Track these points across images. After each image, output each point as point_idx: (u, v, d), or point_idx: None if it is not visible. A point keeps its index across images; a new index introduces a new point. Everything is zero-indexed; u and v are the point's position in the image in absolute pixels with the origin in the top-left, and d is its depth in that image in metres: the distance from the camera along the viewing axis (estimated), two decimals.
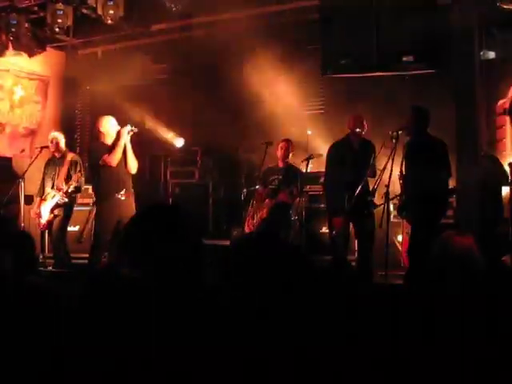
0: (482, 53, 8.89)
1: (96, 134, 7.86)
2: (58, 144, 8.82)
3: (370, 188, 7.32)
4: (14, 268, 3.60)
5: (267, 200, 8.50)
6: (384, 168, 7.14)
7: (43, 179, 8.82)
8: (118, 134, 7.65)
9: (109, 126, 7.76)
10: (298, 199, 8.47)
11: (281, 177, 8.53)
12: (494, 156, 8.20)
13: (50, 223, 8.60)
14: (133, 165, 7.76)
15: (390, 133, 7.06)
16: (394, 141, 6.98)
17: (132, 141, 7.73)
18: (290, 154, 8.64)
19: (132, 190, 7.77)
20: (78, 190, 8.62)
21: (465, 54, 6.86)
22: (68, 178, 8.59)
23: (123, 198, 7.58)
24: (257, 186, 8.74)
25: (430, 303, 2.82)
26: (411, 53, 7.33)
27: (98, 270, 2.95)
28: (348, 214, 7.20)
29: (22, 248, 3.76)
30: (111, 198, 7.57)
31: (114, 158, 7.56)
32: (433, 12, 7.52)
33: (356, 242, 7.81)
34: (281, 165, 8.67)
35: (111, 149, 7.60)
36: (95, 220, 7.96)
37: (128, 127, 7.65)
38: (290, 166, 8.65)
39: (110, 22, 9.16)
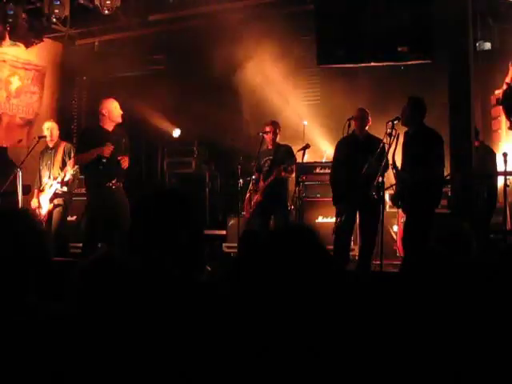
0: (477, 44, 8.93)
1: (97, 117, 7.88)
2: (52, 134, 8.86)
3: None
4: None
5: (261, 183, 8.56)
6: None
7: (40, 170, 8.86)
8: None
9: (111, 109, 7.79)
10: (293, 174, 8.52)
11: (271, 157, 8.57)
12: (488, 146, 8.26)
13: (49, 213, 8.64)
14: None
15: (387, 124, 7.11)
16: (389, 131, 7.02)
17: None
18: (278, 135, 8.68)
19: (122, 179, 7.81)
20: (74, 176, 8.63)
21: (459, 45, 6.89)
22: (63, 167, 8.62)
23: (114, 187, 7.61)
24: (253, 176, 8.78)
25: (425, 291, 2.85)
26: (406, 43, 7.36)
27: (93, 260, 2.96)
28: (355, 205, 7.30)
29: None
30: (102, 186, 7.59)
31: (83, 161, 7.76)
32: (428, 2, 7.55)
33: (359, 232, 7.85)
34: (270, 147, 8.72)
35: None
36: (87, 209, 7.94)
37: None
38: (278, 145, 8.69)
39: (106, 12, 9.19)
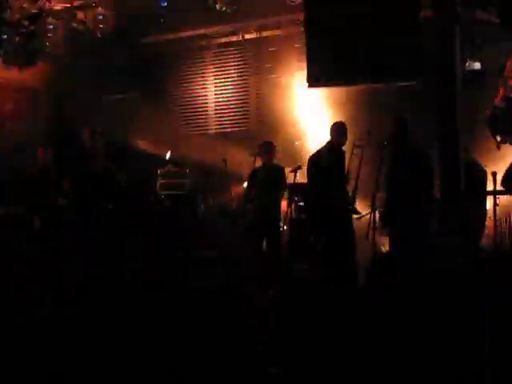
0: (467, 63, 9.02)
1: (81, 145, 8.01)
2: (44, 157, 8.89)
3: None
4: None
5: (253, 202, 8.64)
6: (357, 176, 7.37)
7: (35, 192, 8.84)
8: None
9: (94, 137, 7.92)
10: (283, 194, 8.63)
11: (264, 177, 8.62)
12: (480, 163, 8.26)
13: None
14: None
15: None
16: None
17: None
18: (272, 156, 8.74)
19: None
20: (66, 198, 8.66)
21: (446, 66, 6.95)
22: (55, 190, 8.62)
23: None
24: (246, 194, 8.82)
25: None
26: (395, 65, 7.42)
27: None
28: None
29: None
30: None
31: None
32: (417, 24, 7.61)
33: None
34: (264, 166, 8.77)
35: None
36: None
37: None
38: (272, 166, 8.76)
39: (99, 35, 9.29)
